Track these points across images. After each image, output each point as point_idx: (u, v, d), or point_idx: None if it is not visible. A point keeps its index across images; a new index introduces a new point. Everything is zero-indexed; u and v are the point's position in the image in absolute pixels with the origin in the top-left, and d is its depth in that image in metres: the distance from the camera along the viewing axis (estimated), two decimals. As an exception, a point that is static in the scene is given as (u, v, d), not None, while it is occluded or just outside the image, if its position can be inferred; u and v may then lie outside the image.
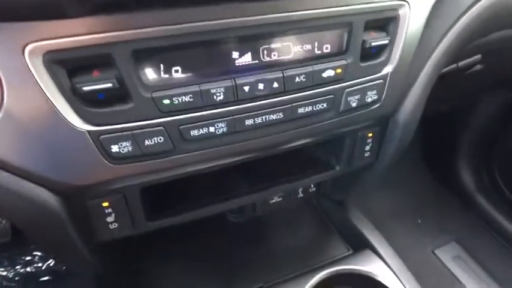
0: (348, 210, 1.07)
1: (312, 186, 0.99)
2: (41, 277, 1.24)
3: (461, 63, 1.01)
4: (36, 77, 0.49)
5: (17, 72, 0.48)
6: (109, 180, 0.58)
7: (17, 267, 1.27)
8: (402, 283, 0.91)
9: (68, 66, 0.50)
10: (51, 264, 1.27)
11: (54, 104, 0.51)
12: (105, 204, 0.62)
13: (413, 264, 1.16)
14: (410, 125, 0.81)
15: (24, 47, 0.47)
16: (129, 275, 1.04)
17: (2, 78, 0.48)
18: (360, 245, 1.01)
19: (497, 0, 0.80)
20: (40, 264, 1.27)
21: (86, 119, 0.53)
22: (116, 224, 0.65)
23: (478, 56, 1.05)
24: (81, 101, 0.52)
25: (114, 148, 0.55)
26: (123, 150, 0.55)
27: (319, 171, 0.85)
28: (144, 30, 0.51)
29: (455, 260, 1.59)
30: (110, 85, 0.51)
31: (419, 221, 1.72)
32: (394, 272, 0.92)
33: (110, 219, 0.64)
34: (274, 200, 0.95)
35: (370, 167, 0.90)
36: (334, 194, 1.04)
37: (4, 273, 1.25)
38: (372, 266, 0.91)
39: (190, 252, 1.07)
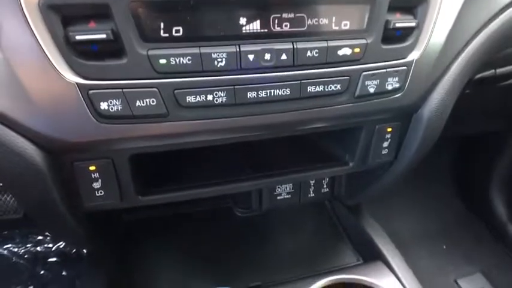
0: (362, 218, 1.00)
1: (325, 186, 0.92)
2: (50, 258, 1.23)
3: (499, 70, 0.92)
4: (30, 21, 0.47)
5: (11, 15, 0.47)
6: (95, 140, 0.55)
7: (28, 245, 1.28)
8: None
9: (64, 14, 0.48)
10: (61, 246, 1.28)
11: (46, 51, 0.49)
12: (92, 168, 0.59)
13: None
14: (435, 124, 0.73)
15: None
16: (127, 262, 1.01)
17: None
18: (371, 256, 0.93)
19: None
20: (50, 245, 1.29)
21: (77, 71, 0.50)
22: (102, 192, 0.61)
23: (520, 65, 0.95)
24: (74, 52, 0.50)
25: (103, 105, 0.52)
26: (112, 108, 0.52)
27: (331, 165, 0.78)
28: None
29: (480, 293, 1.49)
30: (104, 36, 0.49)
31: (444, 247, 1.62)
32: None
33: (96, 185, 0.60)
34: (282, 197, 0.89)
35: (387, 168, 0.82)
36: (348, 198, 0.96)
37: (15, 250, 1.27)
38: (381, 279, 0.82)
39: (193, 243, 1.03)
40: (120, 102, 0.52)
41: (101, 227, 0.83)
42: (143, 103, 0.53)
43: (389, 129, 0.73)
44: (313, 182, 0.90)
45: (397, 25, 0.60)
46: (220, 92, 0.55)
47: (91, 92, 0.51)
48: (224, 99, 0.56)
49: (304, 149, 0.82)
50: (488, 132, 1.58)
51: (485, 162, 1.68)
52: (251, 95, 0.57)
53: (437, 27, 0.64)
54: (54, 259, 1.24)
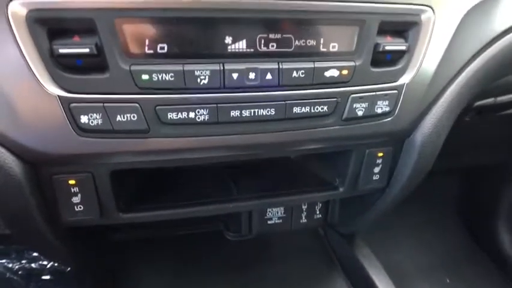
0: (356, 247, 0.96)
1: (318, 212, 0.90)
2: (43, 275, 1.22)
3: (499, 99, 0.91)
4: (16, 34, 0.48)
5: None
6: (75, 154, 0.54)
7: (23, 261, 1.27)
8: None
9: (50, 27, 0.49)
10: (56, 264, 1.27)
11: (30, 63, 0.49)
12: (72, 182, 0.58)
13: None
14: (429, 150, 0.71)
15: (9, 2, 0.46)
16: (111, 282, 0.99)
17: None
18: (363, 286, 0.89)
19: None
20: (45, 263, 1.27)
21: (59, 84, 0.51)
22: (82, 207, 0.60)
23: (521, 94, 0.93)
24: (57, 65, 0.50)
25: (84, 119, 0.52)
26: (92, 122, 0.52)
27: (322, 189, 0.76)
28: None
29: (483, 329, 1.43)
30: (87, 50, 0.49)
31: (448, 281, 1.57)
32: None
33: (75, 199, 0.59)
34: (273, 221, 0.87)
35: (380, 195, 0.79)
36: (342, 226, 0.94)
37: (10, 265, 1.26)
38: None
39: (181, 265, 1.00)
40: (100, 116, 0.52)
41: (85, 244, 0.81)
42: (124, 118, 0.52)
43: (380, 154, 0.71)
44: (306, 207, 0.88)
45: (387, 48, 0.59)
46: (202, 110, 0.54)
47: (72, 105, 0.51)
48: (206, 117, 0.55)
49: (295, 174, 0.81)
50: (492, 163, 1.55)
51: (491, 194, 1.64)
52: (234, 113, 0.56)
53: (429, 52, 0.63)
54: (47, 277, 1.23)
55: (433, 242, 1.65)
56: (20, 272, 1.24)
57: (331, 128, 0.62)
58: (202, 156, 0.60)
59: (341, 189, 0.75)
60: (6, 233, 1.19)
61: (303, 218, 0.89)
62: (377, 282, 0.86)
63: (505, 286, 1.54)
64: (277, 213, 0.86)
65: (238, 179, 0.77)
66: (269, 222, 0.87)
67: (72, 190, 0.59)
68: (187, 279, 0.98)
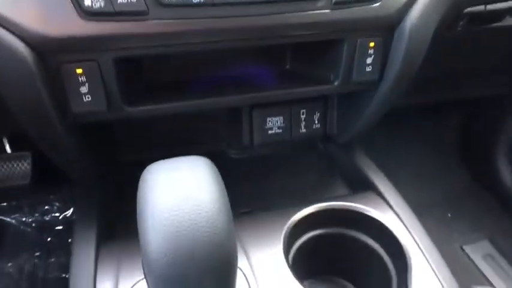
0: (353, 154, 0.99)
1: (316, 122, 0.93)
2: (56, 226, 1.28)
3: (489, 6, 0.92)
4: None
5: None
6: (80, 37, 0.57)
7: (36, 214, 1.30)
8: (406, 226, 0.82)
9: None
10: (68, 215, 1.30)
11: None
12: (79, 71, 0.61)
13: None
14: (417, 38, 0.74)
15: None
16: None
17: None
18: (363, 188, 0.93)
19: None
20: (57, 214, 1.31)
21: None
22: (90, 97, 0.63)
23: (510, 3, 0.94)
24: None
25: (87, 1, 0.55)
26: (95, 4, 0.55)
27: (317, 83, 0.79)
28: None
29: (486, 259, 1.46)
30: None
31: (450, 215, 1.60)
32: (398, 215, 0.84)
33: (83, 89, 0.62)
34: (273, 131, 0.90)
35: (372, 95, 0.82)
36: (340, 135, 0.97)
37: (23, 219, 1.30)
38: (372, 207, 0.82)
39: None
40: None
41: (93, 154, 0.83)
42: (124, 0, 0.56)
43: (371, 44, 0.74)
44: (304, 116, 0.91)
45: None
46: None
47: None
48: None
49: (292, 76, 0.84)
50: (490, 95, 1.56)
51: (490, 128, 1.65)
52: None
53: None
54: (60, 227, 1.28)
55: (435, 180, 1.66)
56: (33, 225, 1.28)
57: (323, 11, 0.65)
58: (199, 40, 0.64)
59: (336, 83, 0.77)
60: (20, 184, 1.23)
61: (302, 127, 0.91)
62: (376, 182, 0.89)
63: (505, 218, 1.57)
64: (277, 122, 0.89)
65: (239, 80, 0.80)
66: (270, 132, 0.90)
67: (80, 79, 0.61)
68: None
